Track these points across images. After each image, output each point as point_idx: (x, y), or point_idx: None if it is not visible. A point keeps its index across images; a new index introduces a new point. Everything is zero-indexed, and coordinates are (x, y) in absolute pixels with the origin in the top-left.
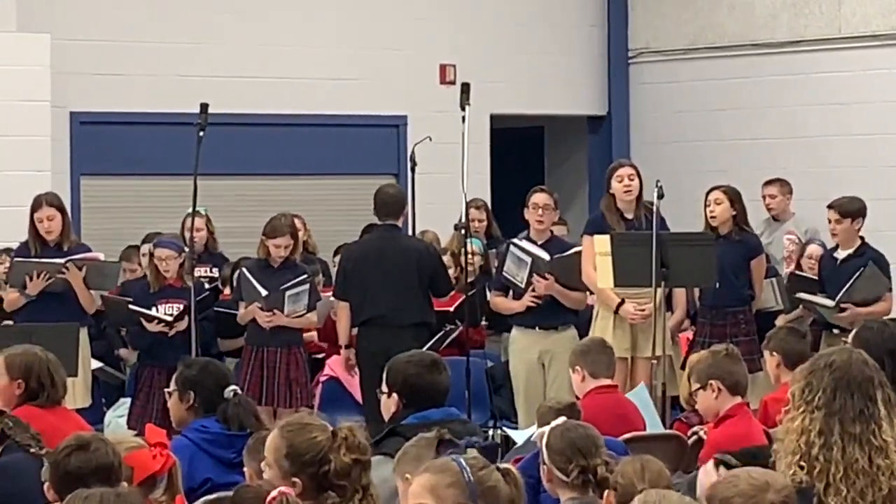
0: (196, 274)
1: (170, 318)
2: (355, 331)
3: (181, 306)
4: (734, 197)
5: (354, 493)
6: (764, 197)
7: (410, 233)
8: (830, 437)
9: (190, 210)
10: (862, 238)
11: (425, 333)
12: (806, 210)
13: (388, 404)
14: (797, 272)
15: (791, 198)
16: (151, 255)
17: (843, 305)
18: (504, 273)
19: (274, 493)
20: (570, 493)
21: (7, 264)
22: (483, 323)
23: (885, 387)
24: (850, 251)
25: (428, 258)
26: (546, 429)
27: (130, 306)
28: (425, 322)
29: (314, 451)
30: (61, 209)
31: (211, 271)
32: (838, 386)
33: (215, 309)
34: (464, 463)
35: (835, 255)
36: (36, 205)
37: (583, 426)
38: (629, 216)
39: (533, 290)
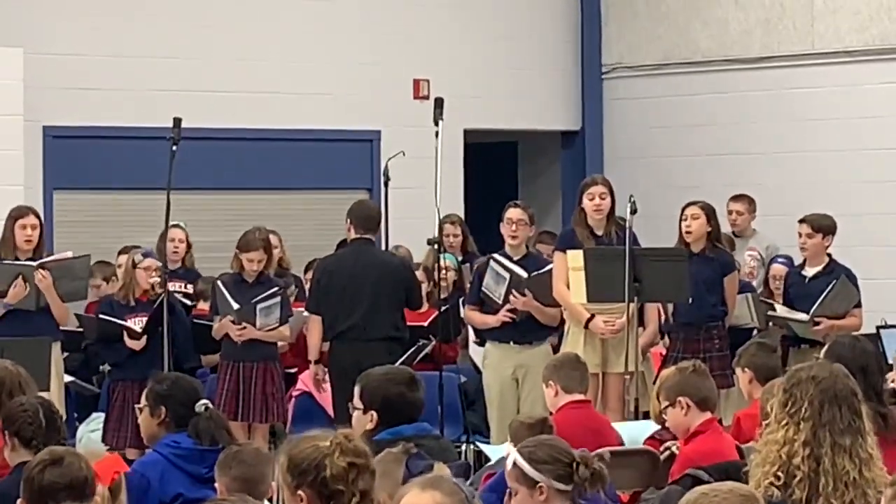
0: (170, 289)
1: (138, 330)
2: (326, 346)
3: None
4: (710, 213)
5: (352, 496)
6: (730, 212)
7: (383, 248)
8: (819, 449)
9: (168, 223)
10: (829, 255)
11: (397, 348)
12: (778, 225)
13: (363, 421)
14: (766, 300)
15: (755, 215)
16: (134, 265)
17: (816, 319)
18: (483, 288)
19: None
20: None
21: None
22: (474, 339)
23: (864, 401)
24: (819, 268)
25: (402, 272)
26: (517, 458)
27: (101, 316)
28: (398, 336)
29: (309, 459)
30: (41, 223)
31: (185, 287)
32: (825, 398)
33: (193, 321)
34: (467, 490)
35: (803, 272)
36: (20, 213)
37: (551, 438)
38: (599, 233)
39: (509, 307)
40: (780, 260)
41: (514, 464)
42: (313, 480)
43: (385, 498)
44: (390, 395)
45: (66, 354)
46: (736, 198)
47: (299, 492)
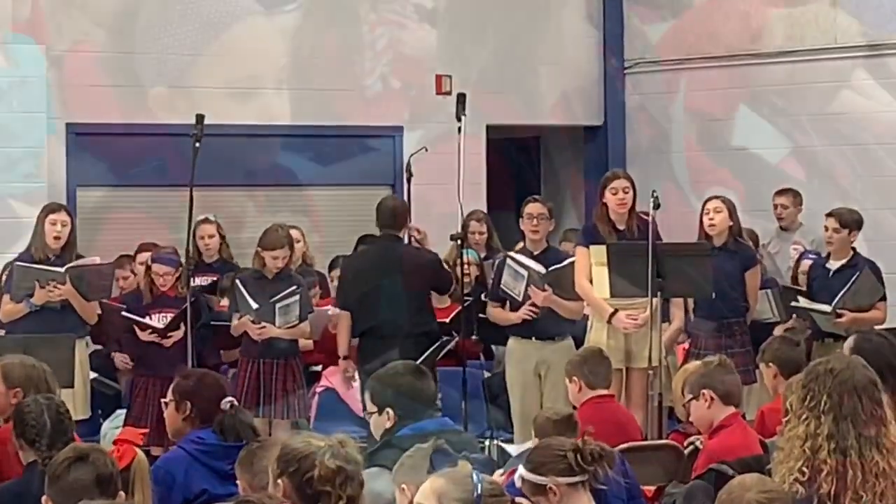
0: (202, 281)
1: (160, 326)
2: (355, 342)
3: (174, 315)
4: (731, 208)
5: (338, 499)
6: (775, 206)
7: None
8: (844, 442)
9: (197, 219)
10: (853, 249)
11: (426, 341)
12: (802, 220)
13: (381, 422)
14: (791, 286)
15: (801, 209)
16: (148, 267)
17: (839, 311)
18: (502, 286)
19: None
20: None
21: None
22: (473, 337)
23: (884, 391)
24: (843, 262)
25: (428, 268)
26: (522, 472)
27: (123, 313)
28: (426, 332)
29: (296, 452)
30: (72, 220)
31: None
32: (844, 390)
33: (212, 322)
34: (481, 485)
35: (826, 265)
36: (52, 209)
37: (546, 440)
38: (621, 227)
39: (531, 302)
40: (810, 255)
41: (523, 479)
42: (294, 472)
43: (414, 490)
44: (400, 387)
45: (92, 350)
46: (781, 192)
47: (279, 480)
